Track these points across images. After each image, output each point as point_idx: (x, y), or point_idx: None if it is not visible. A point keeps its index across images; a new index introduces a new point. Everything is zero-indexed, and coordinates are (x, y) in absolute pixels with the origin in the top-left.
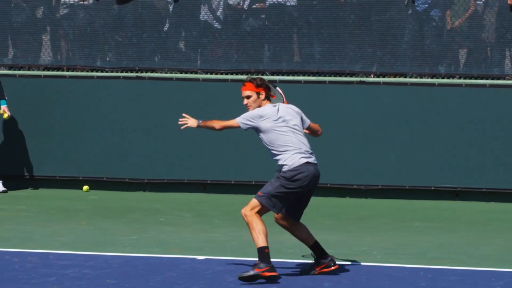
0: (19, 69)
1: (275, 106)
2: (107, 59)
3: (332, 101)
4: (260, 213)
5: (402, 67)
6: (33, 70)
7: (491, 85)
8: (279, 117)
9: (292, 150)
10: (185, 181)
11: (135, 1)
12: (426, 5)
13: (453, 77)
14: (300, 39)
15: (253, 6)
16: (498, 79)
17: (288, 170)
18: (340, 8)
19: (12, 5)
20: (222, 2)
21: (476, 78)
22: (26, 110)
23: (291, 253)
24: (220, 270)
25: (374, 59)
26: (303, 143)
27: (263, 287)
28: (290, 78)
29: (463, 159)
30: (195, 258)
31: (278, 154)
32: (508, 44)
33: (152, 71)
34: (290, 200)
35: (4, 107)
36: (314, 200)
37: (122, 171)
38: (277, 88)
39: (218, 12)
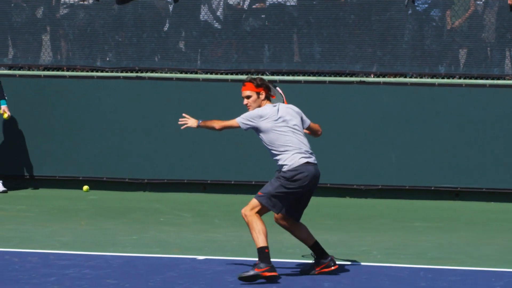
0: (19, 69)
1: (275, 106)
2: (107, 59)
3: (332, 101)
4: (260, 213)
5: (402, 67)
6: (33, 70)
7: (491, 85)
8: (279, 117)
9: (292, 150)
10: (185, 181)
11: (135, 1)
12: (426, 5)
13: (453, 77)
14: (300, 39)
15: (253, 6)
16: (498, 79)
17: (288, 170)
18: (340, 8)
19: (12, 5)
20: (222, 2)
21: (476, 78)
22: (26, 110)
23: (291, 253)
24: (220, 270)
25: (374, 59)
26: (303, 143)
27: (264, 287)
28: (290, 78)
29: (463, 159)
30: (195, 258)
31: (278, 154)
32: (508, 44)
33: (152, 71)
34: (290, 200)
35: (4, 107)
36: (314, 200)
37: (122, 171)
38: (277, 88)
39: (218, 12)
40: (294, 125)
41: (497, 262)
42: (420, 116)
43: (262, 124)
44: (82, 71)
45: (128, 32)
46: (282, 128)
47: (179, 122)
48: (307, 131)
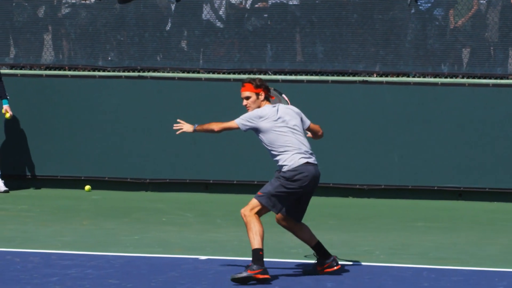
0: (21, 69)
1: (274, 106)
2: (109, 58)
3: (335, 101)
4: (260, 213)
5: (405, 67)
6: (35, 70)
7: (494, 85)
8: (279, 118)
9: (292, 151)
10: (187, 181)
11: (137, 0)
12: (429, 4)
13: (456, 77)
14: (303, 39)
15: (256, 6)
16: (501, 78)
17: (288, 170)
18: (342, 8)
19: (14, 4)
20: (224, 1)
21: (479, 78)
22: (28, 110)
23: (293, 253)
24: (223, 270)
25: (377, 58)
26: (303, 144)
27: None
28: (293, 77)
29: (466, 159)
30: (197, 258)
31: (278, 155)
32: (511, 43)
33: (154, 71)
34: (290, 200)
35: (6, 106)
36: (316, 200)
37: (124, 170)
38: (283, 95)
39: (221, 11)
40: (294, 125)
41: (500, 262)
42: (423, 116)
43: (262, 125)
44: (84, 71)
45: (130, 32)
46: (281, 128)
47: (174, 127)
48: (310, 135)
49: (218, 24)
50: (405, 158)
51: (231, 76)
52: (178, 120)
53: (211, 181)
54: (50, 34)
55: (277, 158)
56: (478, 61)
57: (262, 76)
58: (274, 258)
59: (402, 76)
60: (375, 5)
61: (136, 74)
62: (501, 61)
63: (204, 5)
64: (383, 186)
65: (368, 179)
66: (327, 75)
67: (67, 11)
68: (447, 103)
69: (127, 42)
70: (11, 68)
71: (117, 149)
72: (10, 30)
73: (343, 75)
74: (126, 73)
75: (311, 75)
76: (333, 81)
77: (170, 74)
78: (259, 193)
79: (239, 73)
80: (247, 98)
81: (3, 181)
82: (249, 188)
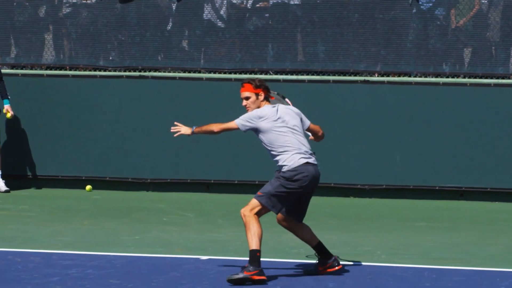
0: (22, 68)
1: (274, 107)
2: (110, 58)
3: (336, 101)
4: (260, 213)
5: (406, 66)
6: (35, 69)
7: (496, 84)
8: (278, 118)
9: (292, 151)
10: (188, 180)
11: (138, 0)
12: (431, 4)
13: (458, 76)
14: (304, 38)
15: (257, 5)
16: (503, 78)
17: (288, 170)
18: (344, 7)
19: (15, 4)
20: (225, 1)
21: (480, 77)
22: (28, 110)
23: (295, 253)
24: (224, 270)
25: (378, 58)
26: (303, 144)
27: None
28: (294, 77)
29: (468, 159)
30: (198, 258)
31: (278, 155)
32: None
33: (155, 70)
34: (290, 200)
35: (7, 106)
36: (318, 200)
37: (125, 170)
38: (286, 100)
39: (222, 11)
40: (294, 125)
41: (502, 262)
42: (424, 116)
43: (262, 125)
44: (85, 70)
45: (131, 31)
46: (281, 128)
47: (172, 130)
48: (312, 138)
49: (219, 24)
50: (407, 158)
51: (232, 76)
52: (175, 123)
53: (212, 181)
54: (51, 34)
55: (277, 158)
56: (480, 61)
57: (263, 76)
58: (275, 258)
59: (403, 76)
60: (377, 5)
61: (137, 74)
62: (503, 61)
63: (205, 4)
64: (384, 186)
65: (369, 179)
66: (329, 75)
67: (68, 10)
68: (448, 103)
69: (128, 41)
70: (12, 68)
71: (118, 149)
72: (11, 30)
73: (345, 75)
74: (127, 73)
75: (312, 75)
76: (334, 81)
77: (171, 74)
78: (259, 193)
79: (240, 73)
80: (247, 98)
81: (4, 181)
82: (250, 188)
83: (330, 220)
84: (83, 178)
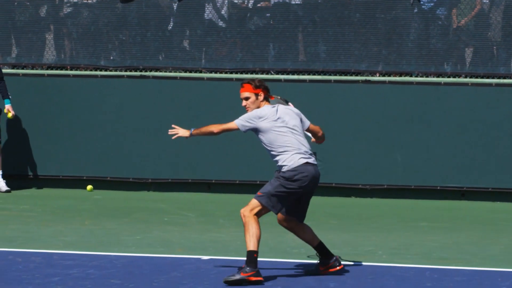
0: (23, 68)
1: (273, 107)
2: (111, 58)
3: (337, 100)
4: (260, 214)
5: (407, 66)
6: (36, 69)
7: (497, 84)
8: (278, 118)
9: (292, 151)
10: (190, 180)
11: None
12: (432, 4)
13: (459, 76)
14: (305, 38)
15: (258, 5)
16: (504, 78)
17: (288, 170)
18: (345, 7)
19: (16, 3)
20: (226, 1)
21: (482, 77)
22: (29, 110)
23: (296, 253)
24: (225, 270)
25: (379, 58)
26: (303, 144)
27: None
28: (295, 77)
29: (469, 159)
30: (199, 258)
31: (278, 155)
32: None
33: (156, 70)
34: (290, 200)
35: (8, 106)
36: (319, 200)
37: (126, 170)
38: (290, 104)
39: (223, 10)
40: (294, 125)
41: (503, 262)
42: (425, 115)
43: (261, 125)
44: (86, 70)
45: (132, 31)
46: (281, 128)
47: (169, 133)
48: (314, 140)
49: (220, 23)
50: (408, 158)
51: (233, 75)
52: (172, 125)
53: (213, 181)
54: (52, 34)
55: (277, 158)
56: (481, 61)
57: (264, 76)
58: (276, 258)
59: (404, 76)
60: (378, 5)
61: (138, 73)
62: (504, 61)
63: (206, 4)
64: (385, 186)
65: (371, 179)
66: (330, 75)
67: (69, 10)
68: (450, 102)
69: (129, 41)
70: (13, 68)
71: (119, 149)
72: (12, 30)
73: (346, 75)
74: (128, 73)
75: (314, 74)
76: (335, 81)
77: (172, 74)
78: (258, 193)
79: (241, 73)
80: (246, 98)
81: (4, 181)
82: (251, 188)
83: (331, 220)
84: (84, 178)
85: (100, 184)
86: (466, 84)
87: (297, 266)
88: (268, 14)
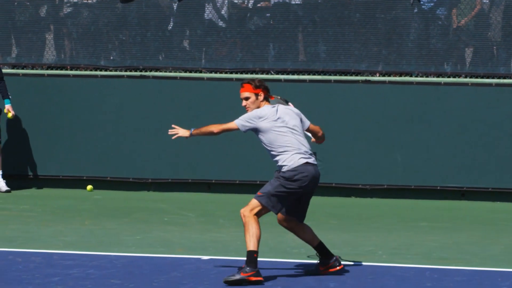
0: (23, 68)
1: (273, 107)
2: (111, 58)
3: (337, 101)
4: (260, 214)
5: (407, 66)
6: (36, 69)
7: (497, 84)
8: (278, 118)
9: (292, 151)
10: (190, 180)
11: None
12: (432, 4)
13: (459, 76)
14: (305, 38)
15: (258, 5)
16: (504, 78)
17: (288, 170)
18: (345, 7)
19: (16, 3)
20: (226, 1)
21: (482, 77)
22: (29, 110)
23: (296, 253)
24: (225, 270)
25: (379, 58)
26: (303, 144)
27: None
28: (295, 77)
29: (469, 159)
30: (199, 258)
31: (278, 155)
32: None
33: (156, 70)
34: (290, 200)
35: (8, 106)
36: (319, 200)
37: (126, 170)
38: (290, 104)
39: (223, 10)
40: (294, 125)
41: (503, 262)
42: (425, 115)
43: (261, 125)
44: (86, 70)
45: (132, 31)
46: (281, 128)
47: (169, 133)
48: (313, 140)
49: (220, 23)
50: (408, 157)
51: (233, 75)
52: (172, 125)
53: (213, 181)
54: (52, 34)
55: (277, 158)
56: (481, 61)
57: (264, 76)
58: (276, 258)
59: (404, 76)
60: (378, 5)
61: (138, 73)
62: (504, 61)
63: (206, 4)
64: (385, 186)
65: (371, 179)
66: (330, 75)
67: (69, 10)
68: (450, 102)
69: (129, 41)
70: (13, 68)
71: (119, 149)
72: (12, 30)
73: (346, 75)
74: (128, 73)
75: (314, 74)
76: (335, 81)
77: (172, 74)
78: (258, 193)
79: (241, 73)
80: (246, 98)
81: (4, 180)
82: (251, 188)
83: (331, 220)
84: (84, 178)
85: (100, 184)
86: (466, 84)
87: (297, 266)
88: (268, 14)
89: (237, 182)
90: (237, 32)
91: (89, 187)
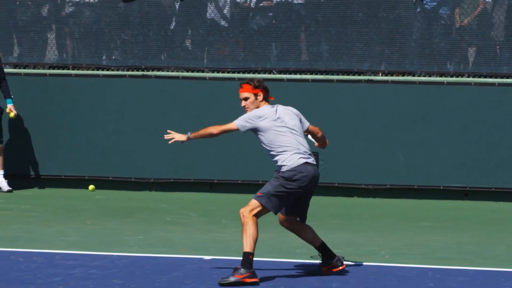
0: (25, 68)
1: (273, 107)
2: (113, 57)
3: (340, 100)
4: (260, 214)
5: (410, 66)
6: (38, 69)
7: (500, 84)
8: (278, 118)
9: (291, 151)
10: (192, 180)
11: None
12: (435, 3)
13: (462, 76)
14: (308, 38)
15: (260, 4)
16: (507, 77)
17: (287, 170)
18: (348, 6)
19: (17, 3)
20: (229, 0)
21: (485, 77)
22: (31, 109)
23: (298, 253)
24: (227, 270)
25: (382, 57)
26: (302, 144)
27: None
28: (298, 76)
29: (472, 159)
30: (201, 258)
31: (277, 155)
32: None
33: (158, 70)
34: (289, 200)
35: (10, 106)
36: (321, 200)
37: (128, 170)
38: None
39: (225, 10)
40: (293, 126)
41: (506, 262)
42: (428, 115)
43: (261, 124)
44: (87, 70)
45: (134, 31)
46: (280, 128)
47: (166, 137)
48: (316, 144)
49: (223, 23)
50: (410, 157)
51: (236, 75)
52: (168, 131)
53: (215, 181)
54: (54, 33)
55: (276, 158)
56: (484, 60)
57: (266, 75)
58: (279, 258)
59: (407, 75)
60: (380, 4)
61: (140, 73)
62: (507, 60)
63: (208, 4)
64: (388, 186)
65: (373, 178)
66: (332, 74)
67: (71, 10)
68: (452, 102)
69: (131, 41)
70: (14, 67)
71: (121, 149)
72: (13, 29)
73: (348, 74)
74: (130, 72)
75: (316, 74)
76: (338, 80)
77: (174, 73)
78: (258, 193)
79: (243, 72)
80: (246, 99)
81: (6, 180)
82: (253, 187)
83: (334, 220)
84: (86, 178)
85: (102, 184)
86: (469, 83)
87: (299, 266)
88: (270, 14)
89: (239, 182)
90: (239, 31)
91: (91, 187)
